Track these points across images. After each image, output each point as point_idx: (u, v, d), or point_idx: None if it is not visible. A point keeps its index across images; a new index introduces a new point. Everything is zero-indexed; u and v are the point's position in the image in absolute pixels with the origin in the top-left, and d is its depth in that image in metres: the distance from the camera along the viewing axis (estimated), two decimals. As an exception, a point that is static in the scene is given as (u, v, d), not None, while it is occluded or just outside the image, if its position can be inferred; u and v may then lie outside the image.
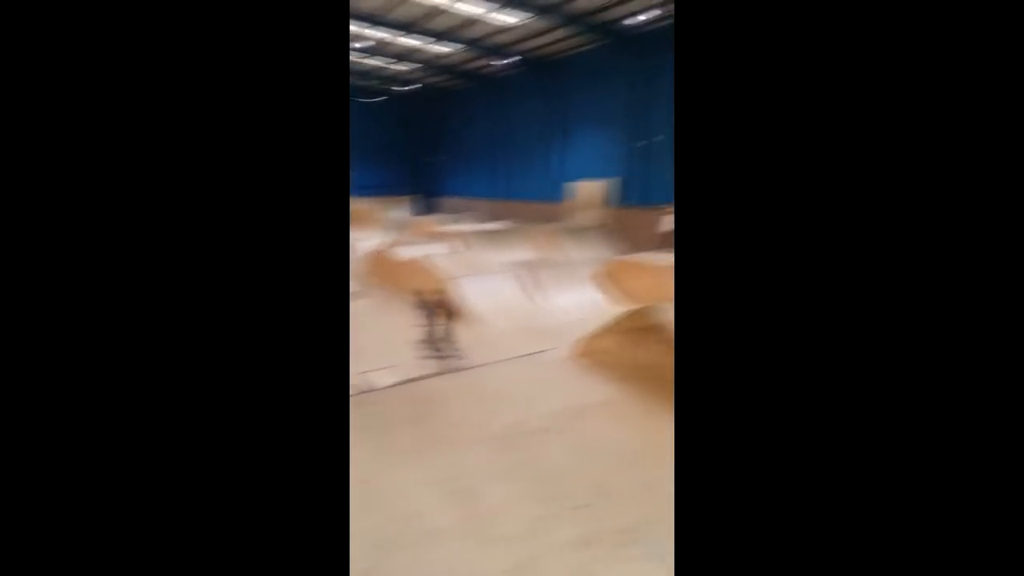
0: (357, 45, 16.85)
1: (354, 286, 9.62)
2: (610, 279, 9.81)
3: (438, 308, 6.60)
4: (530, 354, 6.70)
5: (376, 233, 15.32)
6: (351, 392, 5.10)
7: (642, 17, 14.00)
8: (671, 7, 13.32)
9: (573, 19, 14.46)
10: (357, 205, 15.91)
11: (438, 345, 6.48)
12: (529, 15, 14.20)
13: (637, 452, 4.30)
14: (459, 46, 17.15)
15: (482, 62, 18.91)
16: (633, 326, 5.83)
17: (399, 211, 20.51)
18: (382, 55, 18.34)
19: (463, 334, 7.14)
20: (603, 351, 6.16)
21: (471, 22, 15.17)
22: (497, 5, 13.70)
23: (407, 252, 10.57)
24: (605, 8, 13.91)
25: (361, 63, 19.28)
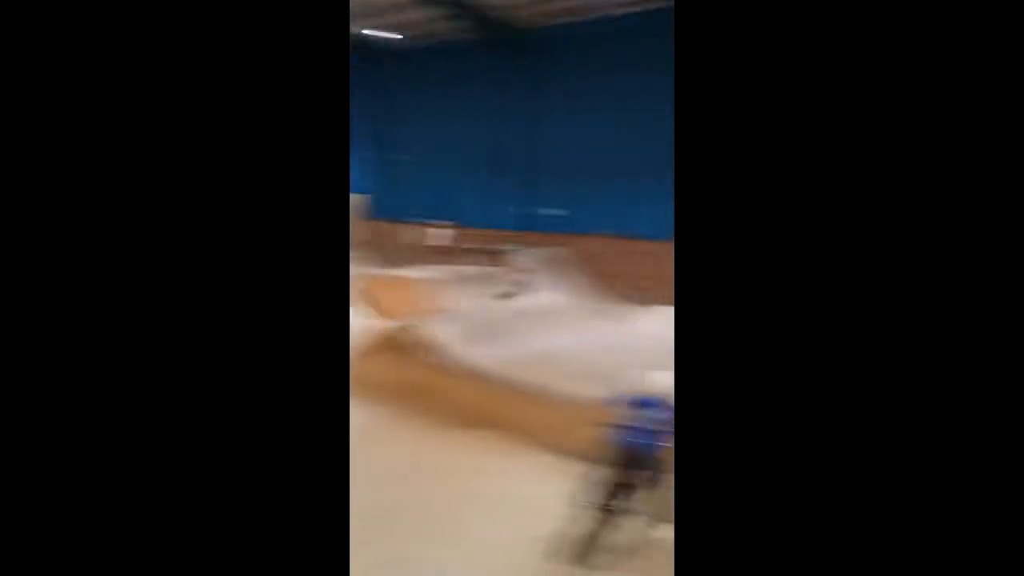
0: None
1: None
2: (366, 296, 9.58)
3: None
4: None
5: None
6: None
7: (389, 35, 14.11)
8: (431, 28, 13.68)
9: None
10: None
11: None
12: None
13: (409, 473, 4.26)
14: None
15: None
16: (394, 344, 5.77)
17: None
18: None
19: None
20: (365, 372, 5.97)
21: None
22: None
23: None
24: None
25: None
